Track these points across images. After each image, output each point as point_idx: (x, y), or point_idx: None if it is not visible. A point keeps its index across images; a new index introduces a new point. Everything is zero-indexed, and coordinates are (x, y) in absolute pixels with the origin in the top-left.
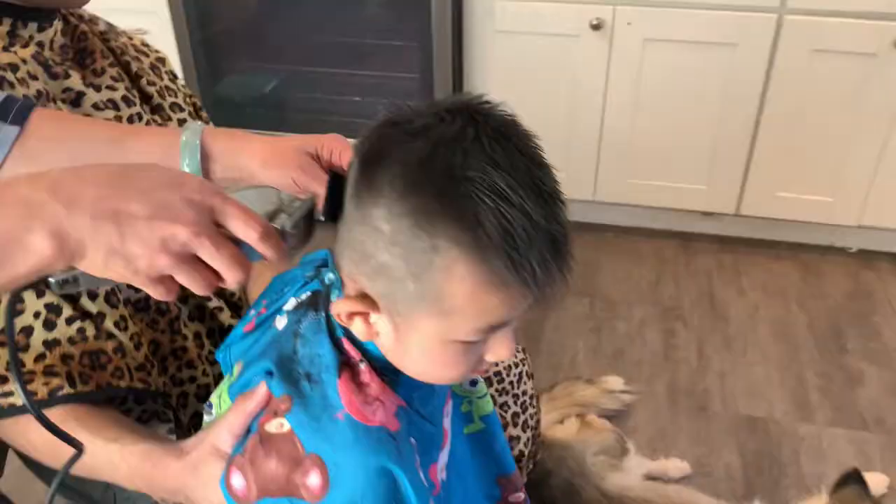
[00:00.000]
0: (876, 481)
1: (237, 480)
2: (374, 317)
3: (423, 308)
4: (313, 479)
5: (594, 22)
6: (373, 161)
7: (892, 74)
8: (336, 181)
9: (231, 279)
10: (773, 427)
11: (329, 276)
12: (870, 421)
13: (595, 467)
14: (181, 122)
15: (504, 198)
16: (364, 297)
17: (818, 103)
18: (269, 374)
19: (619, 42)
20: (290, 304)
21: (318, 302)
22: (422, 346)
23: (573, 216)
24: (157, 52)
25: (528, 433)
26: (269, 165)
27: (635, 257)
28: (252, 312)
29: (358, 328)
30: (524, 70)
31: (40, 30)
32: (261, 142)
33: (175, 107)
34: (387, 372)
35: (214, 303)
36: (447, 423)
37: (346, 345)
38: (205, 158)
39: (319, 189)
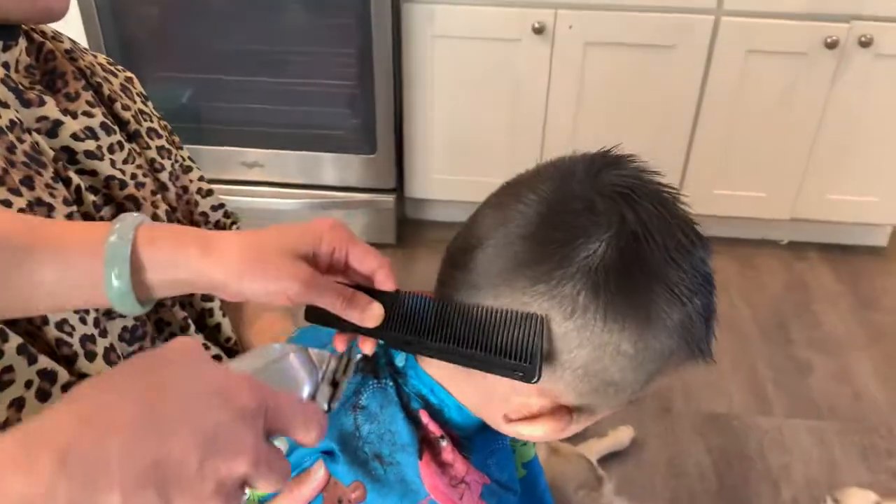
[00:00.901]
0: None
1: None
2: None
3: (619, 405)
4: None
5: (536, 26)
6: (608, 283)
7: (822, 73)
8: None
9: (274, 489)
10: (735, 422)
11: None
12: (823, 409)
13: None
14: (160, 149)
15: (709, 305)
16: (560, 408)
17: (753, 102)
18: (329, 454)
19: (561, 46)
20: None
21: (377, 368)
22: (578, 427)
23: None
24: (124, 71)
25: None
26: (252, 276)
27: None
28: None
29: (519, 428)
30: (465, 75)
31: (5, 49)
32: (231, 244)
33: (152, 133)
34: (461, 439)
35: (213, 351)
36: None
37: (425, 418)
38: (138, 270)
39: (327, 302)
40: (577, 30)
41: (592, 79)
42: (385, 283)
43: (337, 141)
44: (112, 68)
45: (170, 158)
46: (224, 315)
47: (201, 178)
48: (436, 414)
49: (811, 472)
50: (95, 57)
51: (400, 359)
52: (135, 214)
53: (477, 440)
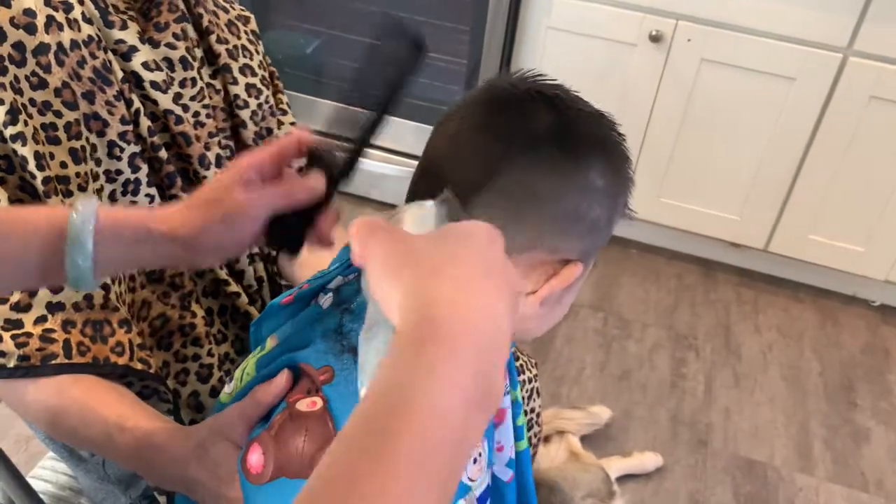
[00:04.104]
0: None
1: (255, 457)
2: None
3: (603, 244)
4: None
5: (654, 33)
6: (566, 137)
7: None
8: None
9: None
10: (771, 473)
11: None
12: (870, 481)
13: None
14: (249, 87)
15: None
16: (568, 261)
17: (868, 151)
18: (308, 346)
19: (676, 57)
20: (337, 282)
21: None
22: (573, 293)
23: None
24: (241, 9)
25: (530, 451)
26: (208, 224)
27: (655, 278)
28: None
29: (546, 289)
30: (574, 71)
31: None
32: (177, 207)
33: (246, 69)
34: None
35: (233, 287)
36: (507, 401)
37: None
38: (99, 249)
39: (279, 202)
40: (696, 44)
41: (702, 97)
42: (305, 137)
43: (438, 115)
44: (225, 4)
45: (258, 98)
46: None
47: (293, 124)
48: None
49: None
50: None
51: None
52: (94, 198)
53: None
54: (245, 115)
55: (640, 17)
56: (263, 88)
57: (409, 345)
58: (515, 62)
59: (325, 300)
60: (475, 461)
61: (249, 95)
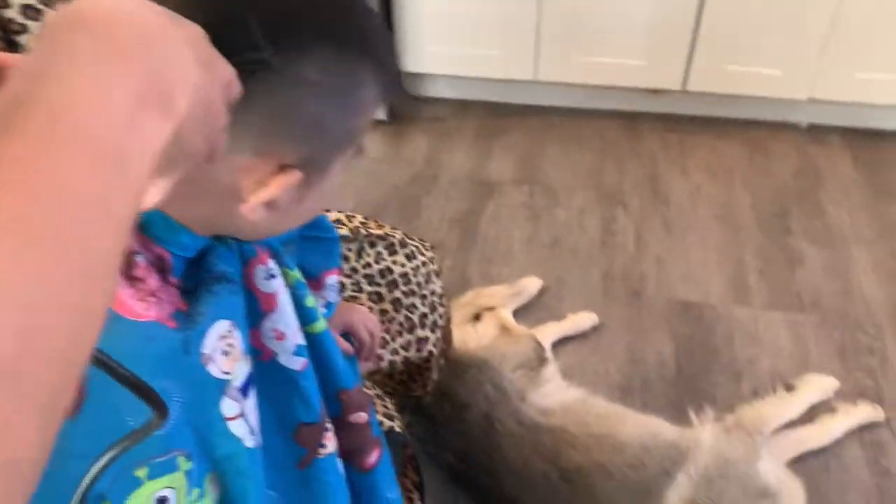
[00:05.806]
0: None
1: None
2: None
3: (341, 149)
4: None
5: None
6: (283, 19)
7: None
8: None
9: None
10: (707, 312)
11: None
12: (806, 302)
13: (514, 386)
14: (25, 7)
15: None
16: (286, 167)
17: None
18: None
19: None
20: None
21: None
22: (321, 194)
23: (515, 99)
24: None
25: (437, 333)
26: None
27: (578, 141)
28: None
29: (261, 212)
30: None
31: None
32: None
33: None
34: (174, 260)
35: None
36: (275, 285)
37: None
38: None
39: None
40: None
41: None
42: None
43: None
44: None
45: (36, 20)
46: None
47: None
48: (141, 229)
49: (778, 366)
50: None
51: None
52: None
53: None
54: (23, 40)
55: None
56: (42, 7)
57: (47, 38)
58: None
59: None
60: (227, 354)
61: (27, 18)
